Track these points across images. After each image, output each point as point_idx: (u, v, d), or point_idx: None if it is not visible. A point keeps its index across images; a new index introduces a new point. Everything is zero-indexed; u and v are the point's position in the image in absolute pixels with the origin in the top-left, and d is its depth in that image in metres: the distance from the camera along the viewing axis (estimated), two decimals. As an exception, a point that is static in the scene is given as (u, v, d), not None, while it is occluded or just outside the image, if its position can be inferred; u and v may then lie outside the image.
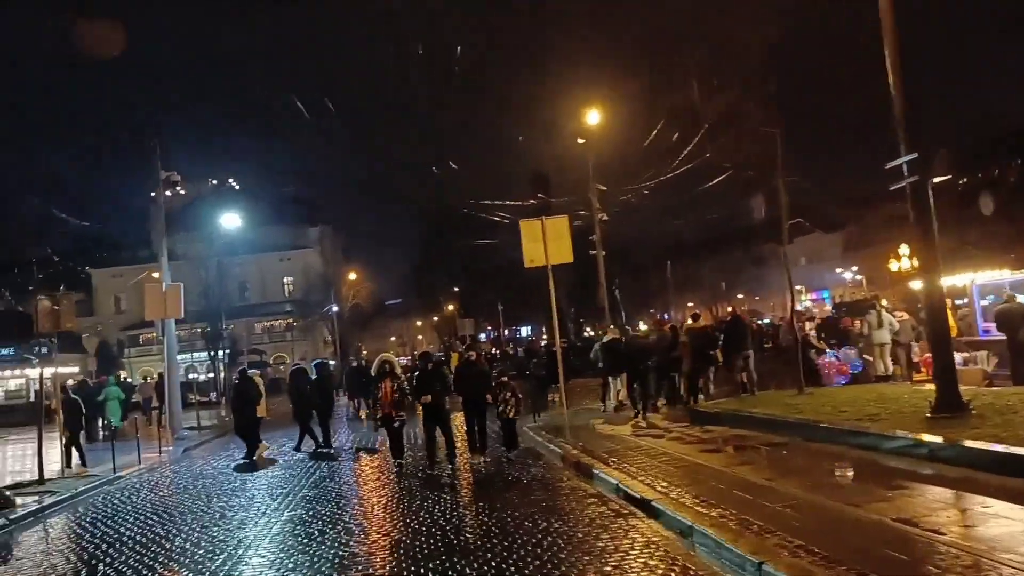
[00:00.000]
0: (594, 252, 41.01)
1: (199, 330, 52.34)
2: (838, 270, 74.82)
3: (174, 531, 10.75)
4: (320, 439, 18.63)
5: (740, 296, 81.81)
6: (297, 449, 18.59)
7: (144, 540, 10.31)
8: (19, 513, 12.84)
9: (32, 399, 28.98)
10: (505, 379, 15.74)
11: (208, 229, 55.25)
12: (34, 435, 28.04)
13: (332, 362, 49.49)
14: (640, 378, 18.15)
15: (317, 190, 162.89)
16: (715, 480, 9.90)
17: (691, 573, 6.85)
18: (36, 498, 14.26)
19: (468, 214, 68.11)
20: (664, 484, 9.87)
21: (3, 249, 52.67)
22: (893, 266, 35.59)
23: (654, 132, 36.32)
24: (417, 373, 16.07)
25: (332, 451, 18.31)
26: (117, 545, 10.17)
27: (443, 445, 14.68)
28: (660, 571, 6.97)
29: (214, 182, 72.24)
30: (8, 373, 36.93)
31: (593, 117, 36.78)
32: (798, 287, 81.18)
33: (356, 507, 11.76)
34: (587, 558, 7.52)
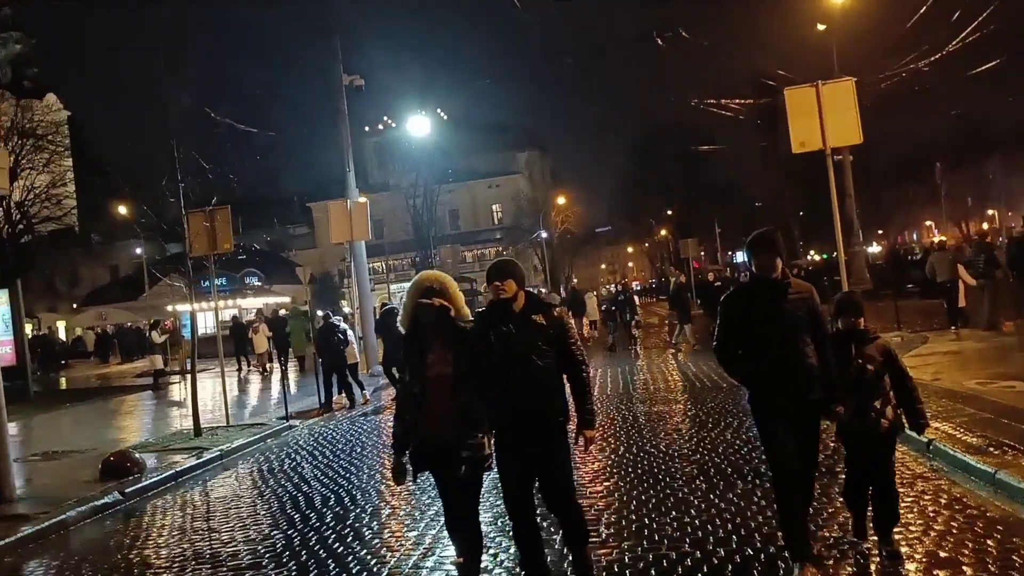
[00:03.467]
0: (839, 157, 34.58)
1: (408, 260, 50.47)
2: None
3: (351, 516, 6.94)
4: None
5: (991, 212, 70.51)
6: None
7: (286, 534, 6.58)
8: (136, 487, 9.54)
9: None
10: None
11: (417, 159, 53.03)
12: (235, 368, 26.47)
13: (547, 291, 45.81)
14: None
15: (524, 114, 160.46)
16: None
17: None
18: (183, 457, 11.12)
19: (682, 127, 62.46)
20: None
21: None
22: None
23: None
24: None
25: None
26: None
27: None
28: None
29: (423, 113, 70.07)
30: (222, 304, 35.88)
31: (839, -7, 30.03)
32: (1065, 195, 68.99)
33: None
34: None
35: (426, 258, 49.10)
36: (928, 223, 78.09)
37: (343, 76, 21.77)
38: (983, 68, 31.12)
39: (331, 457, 10.82)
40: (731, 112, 32.38)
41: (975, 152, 63.12)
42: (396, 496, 8.06)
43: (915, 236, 78.56)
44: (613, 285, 26.36)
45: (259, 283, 47.16)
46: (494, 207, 70.11)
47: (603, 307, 26.82)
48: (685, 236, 52.25)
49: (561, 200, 65.02)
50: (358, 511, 7.72)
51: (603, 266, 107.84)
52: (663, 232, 73.28)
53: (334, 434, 12.83)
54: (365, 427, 13.29)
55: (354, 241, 20.21)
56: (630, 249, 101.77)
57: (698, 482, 7.44)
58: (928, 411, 5.19)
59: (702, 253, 67.52)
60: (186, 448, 11.89)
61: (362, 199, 20.34)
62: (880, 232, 73.22)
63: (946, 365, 12.30)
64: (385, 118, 70.38)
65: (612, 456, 8.89)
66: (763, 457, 8.12)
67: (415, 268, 51.68)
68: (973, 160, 63.15)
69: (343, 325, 16.10)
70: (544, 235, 59.67)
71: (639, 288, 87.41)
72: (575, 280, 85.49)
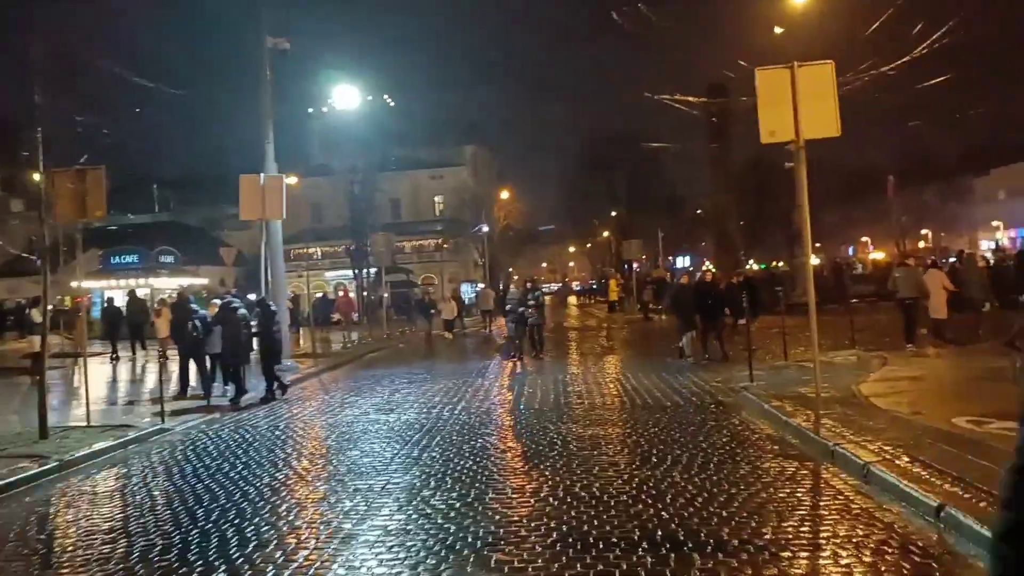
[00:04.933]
0: (790, 164, 33.16)
1: (345, 247, 47.94)
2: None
3: None
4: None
5: (925, 232, 70.79)
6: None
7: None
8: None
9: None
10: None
11: (358, 144, 50.57)
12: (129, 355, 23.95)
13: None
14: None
15: (474, 109, 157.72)
16: None
17: None
18: (8, 468, 8.84)
19: (632, 131, 60.90)
20: None
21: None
22: None
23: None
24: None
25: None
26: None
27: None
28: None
29: (369, 98, 67.31)
30: (133, 283, 33.05)
31: (799, -3, 28.61)
32: (995, 222, 69.89)
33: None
34: None
35: (361, 246, 46.53)
36: (864, 239, 78.34)
37: (267, 39, 19.44)
38: (933, 82, 30.28)
39: (194, 475, 8.65)
40: (683, 106, 30.62)
41: (915, 178, 63.23)
42: (262, 541, 5.96)
43: (851, 251, 78.77)
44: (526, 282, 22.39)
45: (173, 262, 44.12)
46: (436, 198, 67.64)
47: (508, 307, 23.36)
48: (628, 239, 50.63)
49: (505, 195, 62.89)
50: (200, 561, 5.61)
51: (544, 265, 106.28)
52: (606, 233, 71.78)
53: (212, 442, 10.61)
54: (253, 434, 11.06)
55: (268, 220, 17.89)
56: (572, 249, 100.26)
57: (641, 552, 5.51)
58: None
59: (643, 256, 66.20)
60: (21, 455, 9.60)
61: (279, 174, 17.99)
62: (818, 246, 72.95)
63: (921, 394, 10.63)
64: (331, 101, 67.52)
65: (533, 502, 6.91)
66: (723, 514, 6.27)
67: (350, 256, 49.22)
68: (913, 185, 63.15)
69: (243, 311, 13.99)
70: (485, 229, 57.54)
71: (579, 288, 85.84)
72: (516, 277, 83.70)
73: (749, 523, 6.03)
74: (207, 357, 14.10)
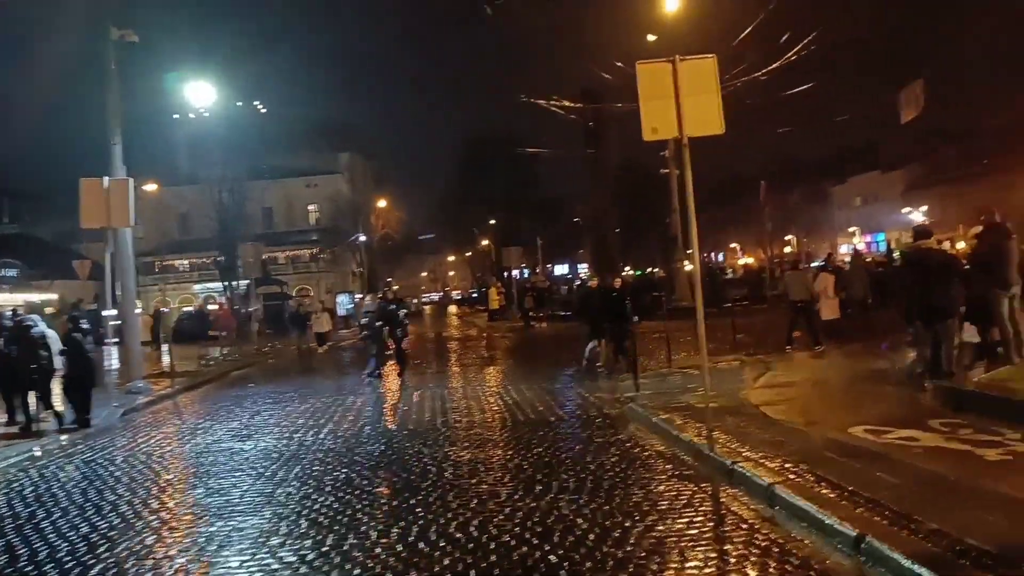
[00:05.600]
0: (665, 171, 33.34)
1: (214, 259, 45.40)
2: (905, 210, 65.97)
3: None
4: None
5: (790, 237, 73.44)
6: None
7: None
8: None
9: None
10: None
11: (227, 150, 48.22)
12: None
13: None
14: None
15: (351, 114, 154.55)
16: None
17: None
18: None
19: (509, 135, 60.48)
20: None
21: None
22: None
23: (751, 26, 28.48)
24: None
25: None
26: None
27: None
28: None
29: (239, 104, 64.41)
30: (-30, 299, 29.91)
31: (671, 3, 28.68)
32: (852, 228, 73.30)
33: None
34: None
35: (231, 257, 44.12)
36: (734, 244, 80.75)
37: (112, 31, 17.68)
38: (797, 89, 31.17)
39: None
40: (560, 110, 30.24)
41: (782, 183, 65.39)
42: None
43: (720, 257, 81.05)
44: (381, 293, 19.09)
45: (16, 276, 40.52)
46: (311, 207, 65.29)
47: (365, 320, 20.68)
48: (508, 246, 50.00)
49: (382, 203, 61.21)
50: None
51: (425, 274, 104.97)
52: (485, 242, 71.17)
53: (9, 486, 9.01)
54: (73, 473, 9.47)
55: (114, 228, 16.10)
56: (452, 258, 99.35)
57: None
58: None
59: (523, 265, 65.94)
60: None
61: (126, 178, 16.21)
62: (690, 252, 74.54)
63: (811, 401, 10.22)
64: (199, 108, 64.30)
65: (400, 549, 5.87)
66: (618, 555, 5.42)
67: (218, 268, 46.71)
68: (778, 190, 65.25)
69: (41, 328, 12.35)
70: (363, 239, 55.86)
71: (459, 297, 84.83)
72: (396, 287, 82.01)
73: (649, 565, 5.19)
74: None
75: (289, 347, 28.87)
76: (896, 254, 35.40)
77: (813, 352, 15.41)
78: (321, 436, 10.70)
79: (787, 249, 69.90)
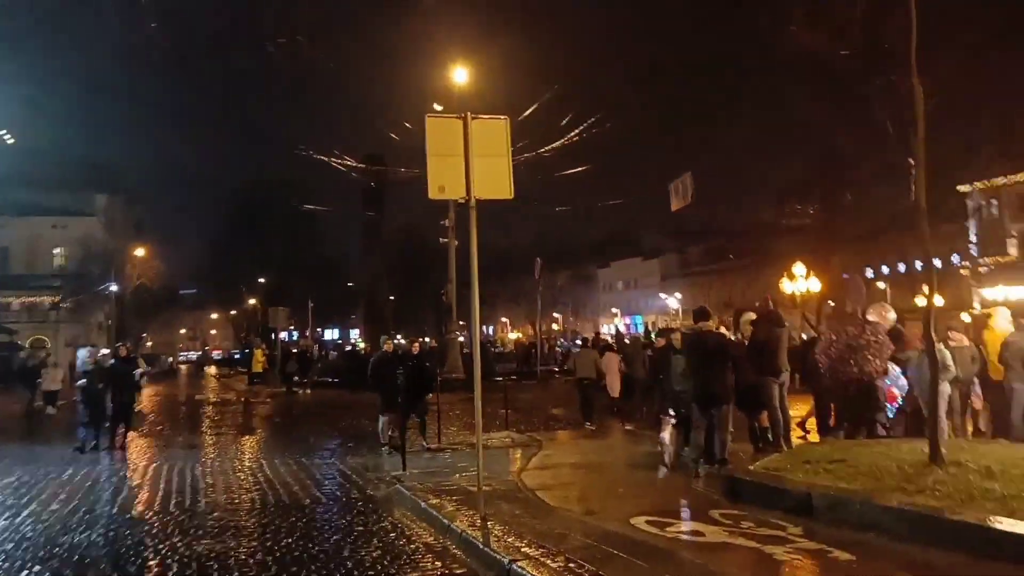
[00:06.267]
0: (444, 240, 32.99)
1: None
2: (662, 295, 70.47)
3: None
4: None
5: (556, 315, 76.09)
6: None
7: None
8: None
9: None
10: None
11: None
12: None
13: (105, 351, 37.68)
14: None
15: (115, 154, 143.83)
16: None
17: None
18: None
19: (284, 190, 58.20)
20: None
21: None
22: (787, 287, 29.37)
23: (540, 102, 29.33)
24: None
25: None
26: None
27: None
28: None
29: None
30: None
31: (460, 75, 28.89)
32: (614, 309, 77.33)
33: None
34: None
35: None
36: (504, 319, 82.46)
37: None
38: (573, 171, 32.54)
39: None
40: (341, 167, 29.33)
41: (550, 262, 67.77)
42: None
43: (491, 330, 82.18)
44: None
45: None
46: (57, 250, 58.88)
47: (82, 382, 16.24)
48: (276, 306, 47.38)
49: (141, 252, 56.19)
50: None
51: (183, 331, 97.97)
52: (252, 301, 67.53)
53: None
54: None
55: None
56: (215, 316, 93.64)
57: None
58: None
59: (291, 327, 63.12)
60: None
61: None
62: (462, 324, 74.98)
63: (588, 486, 9.67)
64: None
65: None
66: None
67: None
68: (549, 269, 67.54)
69: None
70: (115, 288, 50.84)
71: (219, 357, 79.36)
72: (150, 343, 75.49)
73: None
74: None
75: (12, 405, 24.99)
76: (654, 336, 37.16)
77: (584, 431, 15.27)
78: (17, 522, 8.70)
79: (555, 326, 72.29)
